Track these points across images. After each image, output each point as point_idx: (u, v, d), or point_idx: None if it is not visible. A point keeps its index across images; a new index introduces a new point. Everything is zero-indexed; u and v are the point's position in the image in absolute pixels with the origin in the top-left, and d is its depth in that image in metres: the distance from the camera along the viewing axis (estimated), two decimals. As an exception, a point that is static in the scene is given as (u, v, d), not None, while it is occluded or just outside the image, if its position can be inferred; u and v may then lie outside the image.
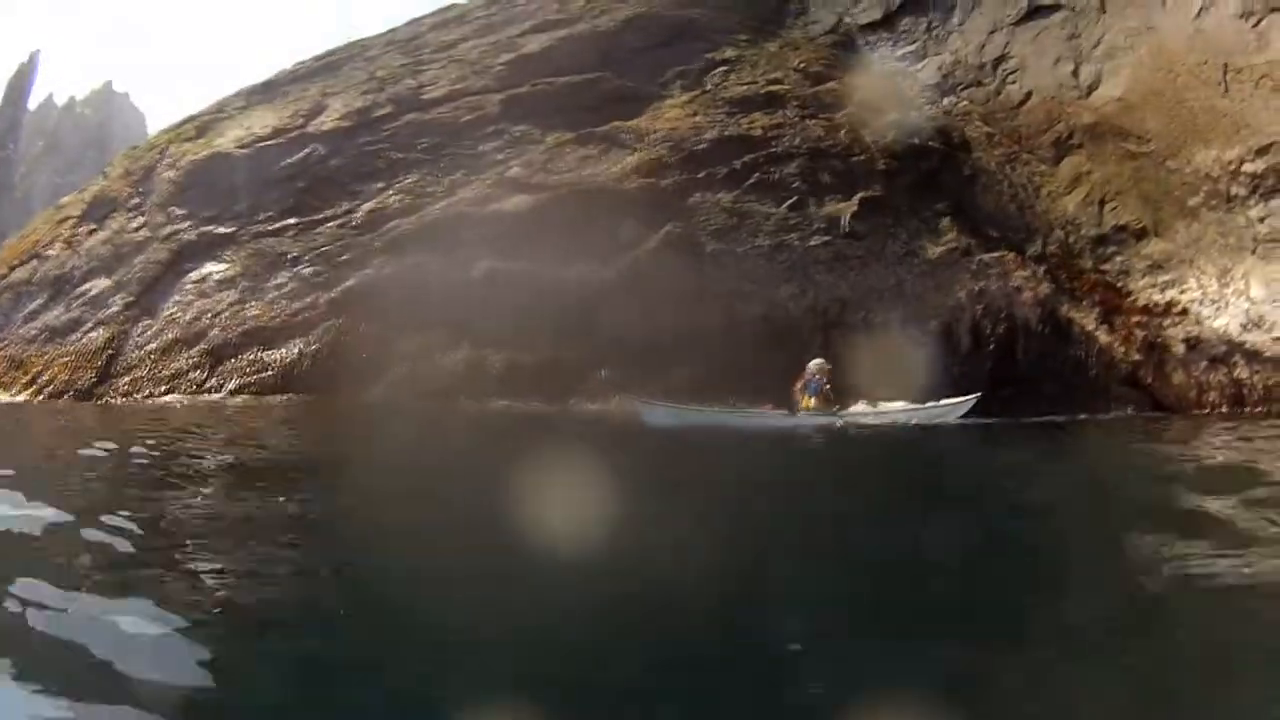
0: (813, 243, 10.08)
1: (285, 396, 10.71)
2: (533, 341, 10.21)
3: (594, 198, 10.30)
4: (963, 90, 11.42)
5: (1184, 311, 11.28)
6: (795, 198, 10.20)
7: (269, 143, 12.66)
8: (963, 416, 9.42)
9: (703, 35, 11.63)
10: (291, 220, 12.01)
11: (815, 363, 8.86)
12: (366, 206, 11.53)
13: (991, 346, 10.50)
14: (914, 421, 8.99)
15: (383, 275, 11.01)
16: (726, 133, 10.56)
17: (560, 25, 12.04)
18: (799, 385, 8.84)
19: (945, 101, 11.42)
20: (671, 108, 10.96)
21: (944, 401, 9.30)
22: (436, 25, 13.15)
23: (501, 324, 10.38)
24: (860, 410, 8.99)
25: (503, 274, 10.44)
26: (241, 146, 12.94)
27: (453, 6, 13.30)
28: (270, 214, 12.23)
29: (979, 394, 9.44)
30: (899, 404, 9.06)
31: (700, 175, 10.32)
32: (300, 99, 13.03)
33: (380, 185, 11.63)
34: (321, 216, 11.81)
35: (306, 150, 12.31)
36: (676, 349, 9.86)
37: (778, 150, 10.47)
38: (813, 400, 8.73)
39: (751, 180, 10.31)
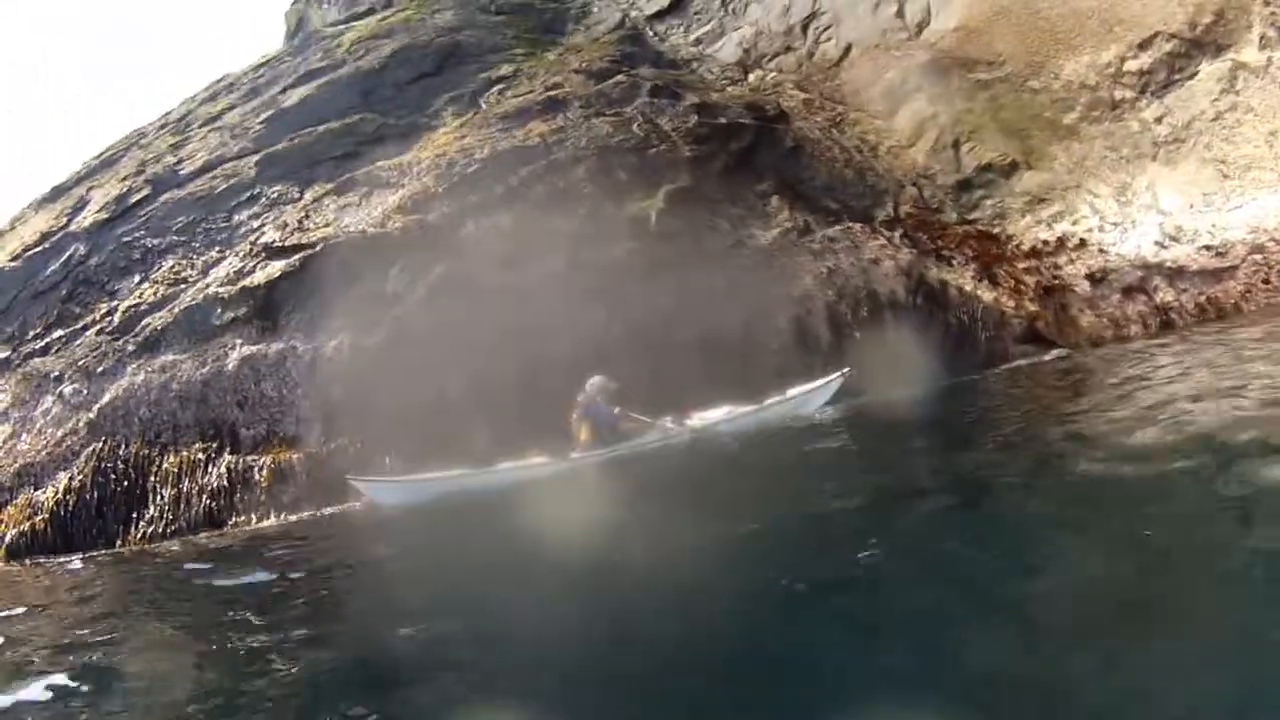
0: (617, 253, 7.64)
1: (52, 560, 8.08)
2: (298, 436, 7.71)
3: (352, 250, 7.88)
4: (769, 61, 9.18)
5: (1082, 243, 8.84)
6: (588, 205, 7.82)
7: (36, 250, 10.28)
8: (827, 403, 6.85)
9: (475, 56, 9.39)
10: (57, 333, 9.53)
11: (594, 381, 6.36)
12: (124, 305, 9.06)
13: (857, 334, 8.03)
14: (749, 427, 6.39)
15: (137, 383, 8.54)
16: (500, 148, 8.22)
17: (322, 73, 9.81)
18: (575, 415, 6.32)
19: (751, 77, 9.15)
20: (442, 135, 8.66)
21: (793, 391, 6.66)
22: (207, 99, 10.93)
23: (261, 421, 7.90)
24: (670, 428, 6.39)
25: (260, 359, 7.96)
26: (13, 259, 10.59)
27: (224, 77, 11.16)
28: (37, 330, 9.79)
29: (846, 371, 6.85)
30: (722, 410, 6.49)
31: (473, 200, 7.93)
32: (69, 198, 10.72)
33: (137, 279, 9.20)
34: (82, 325, 9.36)
35: (69, 252, 9.93)
36: (467, 412, 7.34)
37: (561, 157, 8.11)
38: (595, 431, 6.21)
39: (535, 194, 7.93)
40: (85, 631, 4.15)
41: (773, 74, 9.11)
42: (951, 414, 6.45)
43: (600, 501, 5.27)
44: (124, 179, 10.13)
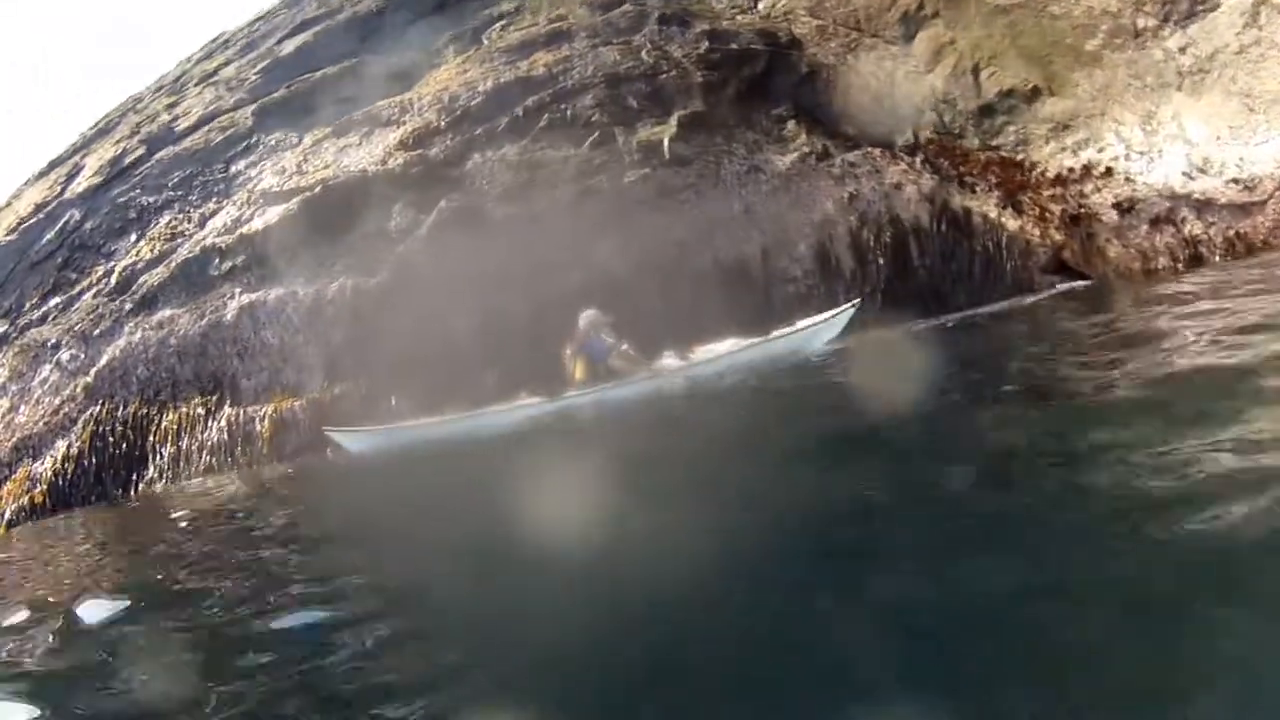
0: (628, 179, 7.03)
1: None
2: (300, 384, 7.12)
3: (352, 190, 7.29)
4: (782, -13, 8.60)
5: (1108, 172, 8.23)
6: (597, 132, 7.21)
7: (30, 221, 9.72)
8: (840, 335, 6.04)
9: (477, -7, 8.84)
10: (54, 301, 8.95)
11: (587, 315, 5.66)
12: (120, 265, 8.49)
13: (881, 261, 7.42)
14: (755, 361, 5.61)
15: (134, 341, 7.96)
16: (504, 79, 7.63)
17: (318, 21, 9.25)
18: (569, 351, 5.67)
19: (761, 5, 8.54)
20: (444, 72, 8.07)
21: (802, 323, 5.90)
22: (202, 58, 10.39)
23: (262, 370, 7.31)
24: (670, 365, 5.66)
25: (259, 307, 7.37)
26: (9, 233, 10.02)
27: (219, 35, 10.60)
28: (34, 300, 9.21)
29: (855, 302, 6.10)
30: (725, 344, 5.78)
31: (477, 132, 7.32)
32: (65, 167, 10.14)
33: (134, 238, 8.62)
34: (78, 290, 8.80)
35: (63, 220, 9.36)
36: (474, 351, 6.74)
37: (567, 85, 7.51)
38: (591, 368, 5.53)
39: (541, 124, 7.32)
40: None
41: (783, 1, 8.53)
42: (977, 351, 5.69)
43: (592, 451, 4.59)
44: (118, 142, 9.57)
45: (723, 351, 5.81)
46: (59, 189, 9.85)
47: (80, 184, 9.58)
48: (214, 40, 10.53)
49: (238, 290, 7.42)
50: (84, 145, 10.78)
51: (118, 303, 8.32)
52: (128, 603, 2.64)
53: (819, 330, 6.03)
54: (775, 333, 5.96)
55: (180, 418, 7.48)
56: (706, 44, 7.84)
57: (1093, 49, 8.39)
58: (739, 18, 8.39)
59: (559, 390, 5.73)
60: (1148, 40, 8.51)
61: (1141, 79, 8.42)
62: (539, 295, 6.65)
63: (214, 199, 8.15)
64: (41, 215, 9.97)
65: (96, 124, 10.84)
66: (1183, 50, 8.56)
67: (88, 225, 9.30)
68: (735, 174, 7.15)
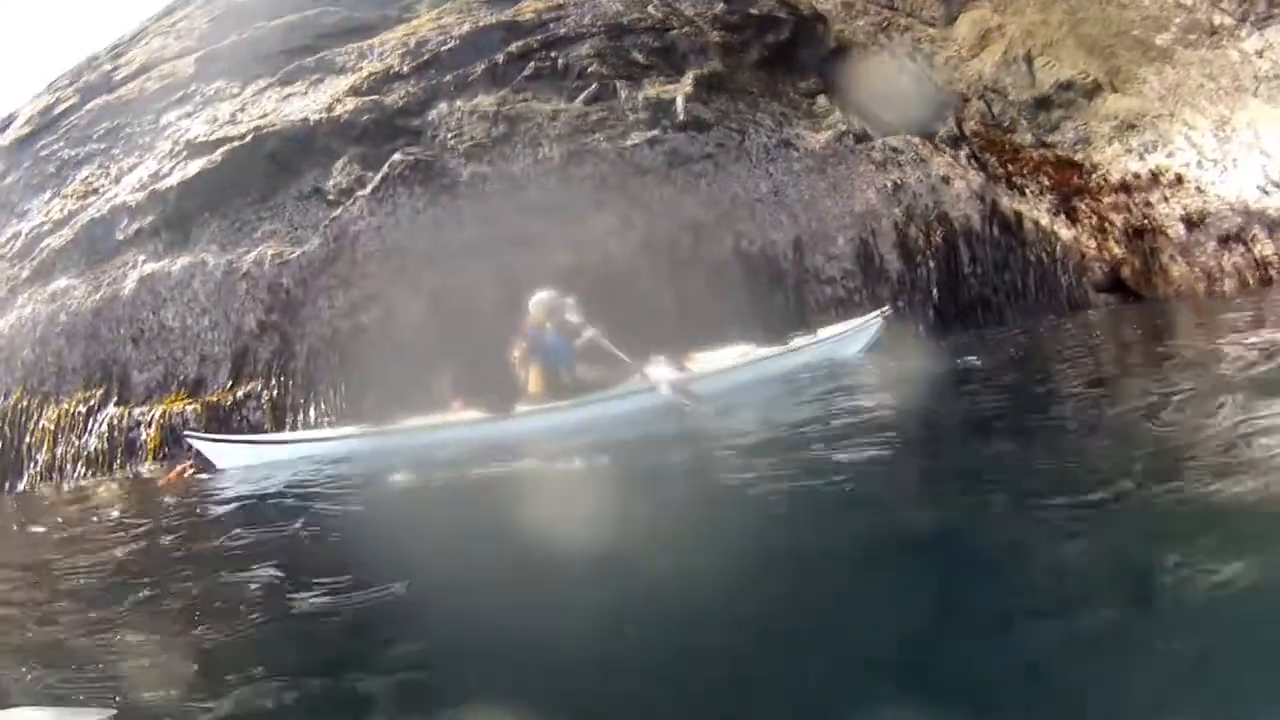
0: (632, 141, 4.79)
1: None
2: (201, 380, 4.83)
3: (287, 141, 4.99)
4: (809, -42, 6.46)
5: (1178, 179, 6.12)
6: (594, 84, 4.98)
7: (-45, 182, 7.35)
8: (866, 348, 3.98)
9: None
10: (-37, 270, 6.59)
11: (540, 299, 3.38)
12: (29, 226, 6.14)
13: (931, 265, 5.27)
14: (770, 376, 3.55)
15: (24, 316, 5.60)
16: (483, 23, 5.40)
17: (287, -32, 7.04)
18: (518, 353, 3.35)
19: (789, -25, 6.44)
20: (416, 21, 5.83)
21: (825, 333, 3.84)
22: (162, 14, 8.12)
23: (158, 361, 5.01)
24: (666, 375, 3.31)
25: (161, 280, 5.04)
26: (-65, 192, 7.63)
27: (187, -8, 8.35)
28: (-56, 270, 6.81)
29: (885, 310, 4.03)
30: (733, 351, 3.59)
31: (446, 79, 5.08)
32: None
33: (48, 195, 6.23)
34: (-16, 255, 6.45)
35: (-16, 178, 6.98)
36: (424, 347, 4.49)
37: (560, 33, 5.30)
38: (549, 377, 3.26)
39: (525, 73, 5.09)
40: None
41: (810, -26, 6.45)
42: (1039, 376, 3.70)
43: (541, 501, 2.34)
44: (55, 91, 7.20)
45: (732, 362, 3.66)
46: (-12, 144, 7.50)
47: (9, 136, 7.22)
48: (181, -3, 8.16)
49: (141, 258, 5.06)
50: (29, 104, 8.40)
51: (16, 269, 5.98)
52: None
53: (845, 340, 3.98)
54: (796, 342, 3.87)
55: (60, 415, 5.13)
56: (722, 5, 5.65)
57: (1163, 44, 6.31)
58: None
59: (509, 404, 3.49)
60: (1224, 39, 6.45)
61: (1216, 80, 6.35)
62: (513, 278, 4.36)
63: (136, 152, 5.78)
64: (-34, 172, 7.59)
65: (51, 83, 8.45)
66: (1260, 54, 6.50)
67: (8, 180, 6.90)
68: (762, 147, 4.93)
